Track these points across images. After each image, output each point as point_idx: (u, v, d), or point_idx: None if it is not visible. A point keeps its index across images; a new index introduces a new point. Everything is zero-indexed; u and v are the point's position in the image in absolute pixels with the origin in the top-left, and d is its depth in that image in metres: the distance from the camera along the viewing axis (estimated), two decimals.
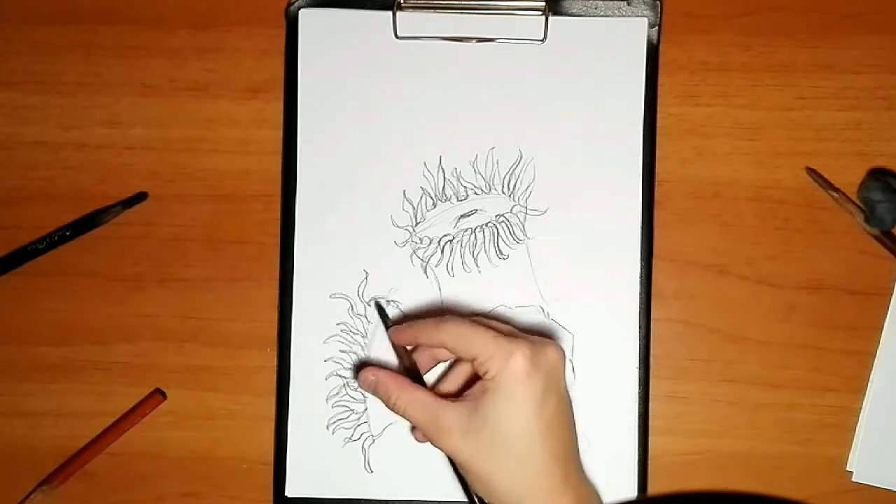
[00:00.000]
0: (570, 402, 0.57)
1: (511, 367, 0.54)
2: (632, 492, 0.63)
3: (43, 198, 0.65)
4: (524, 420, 0.54)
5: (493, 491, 0.55)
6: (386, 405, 0.58)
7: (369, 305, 0.64)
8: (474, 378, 0.58)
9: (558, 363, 0.56)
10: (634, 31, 0.64)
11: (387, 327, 0.62)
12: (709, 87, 0.64)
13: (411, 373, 0.59)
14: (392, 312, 0.63)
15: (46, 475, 0.64)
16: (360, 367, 0.61)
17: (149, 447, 0.64)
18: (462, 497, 0.59)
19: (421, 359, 0.60)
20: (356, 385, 0.63)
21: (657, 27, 0.64)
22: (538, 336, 0.57)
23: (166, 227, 0.65)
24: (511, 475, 0.54)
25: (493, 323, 0.58)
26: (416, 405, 0.57)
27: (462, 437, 0.55)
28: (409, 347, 0.61)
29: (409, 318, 0.63)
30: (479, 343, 0.55)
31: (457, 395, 0.58)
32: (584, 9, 0.64)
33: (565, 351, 0.57)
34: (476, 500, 0.57)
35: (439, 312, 0.63)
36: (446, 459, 0.58)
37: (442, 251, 0.64)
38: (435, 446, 0.56)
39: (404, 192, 0.64)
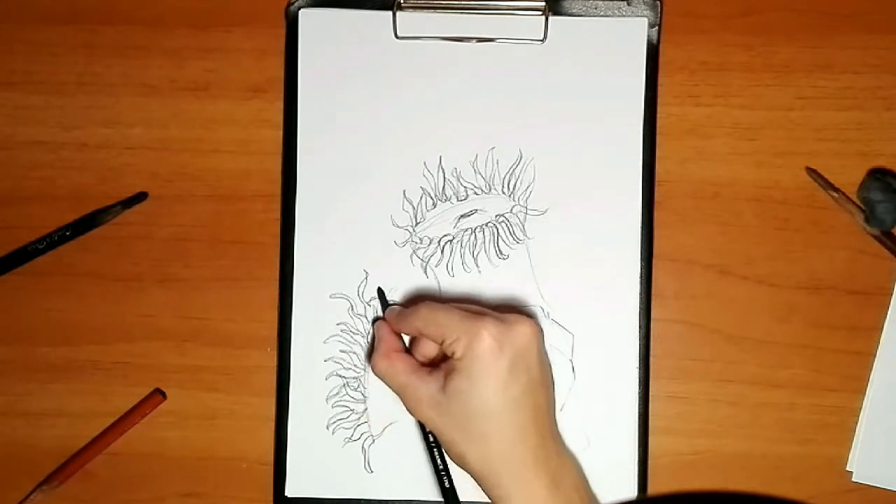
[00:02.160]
0: (545, 377, 0.57)
1: (476, 347, 0.55)
2: (632, 492, 0.63)
3: (43, 198, 0.65)
4: (489, 400, 0.55)
5: (465, 464, 0.57)
6: (370, 364, 0.61)
7: (369, 305, 0.64)
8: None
9: (529, 340, 0.56)
10: (634, 31, 0.64)
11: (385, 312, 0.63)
12: (709, 87, 0.64)
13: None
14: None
15: (46, 475, 0.64)
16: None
17: (149, 447, 0.64)
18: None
19: (426, 346, 0.60)
20: (356, 385, 0.63)
21: (657, 27, 0.64)
22: (514, 314, 0.57)
23: (166, 227, 0.65)
24: (480, 452, 0.56)
25: (465, 305, 0.59)
26: (393, 376, 0.59)
27: (433, 410, 0.57)
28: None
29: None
30: (446, 325, 0.57)
31: (438, 363, 0.59)
32: (584, 9, 0.64)
33: (541, 328, 0.58)
34: (440, 469, 0.60)
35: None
36: (416, 424, 0.61)
37: (442, 251, 0.64)
38: (409, 412, 0.58)
39: (404, 192, 0.64)
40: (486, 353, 0.55)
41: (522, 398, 0.56)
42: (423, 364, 0.60)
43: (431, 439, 0.60)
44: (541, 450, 0.56)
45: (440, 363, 0.59)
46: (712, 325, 0.64)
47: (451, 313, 0.57)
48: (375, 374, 0.60)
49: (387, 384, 0.59)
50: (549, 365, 0.59)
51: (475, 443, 0.56)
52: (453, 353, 0.56)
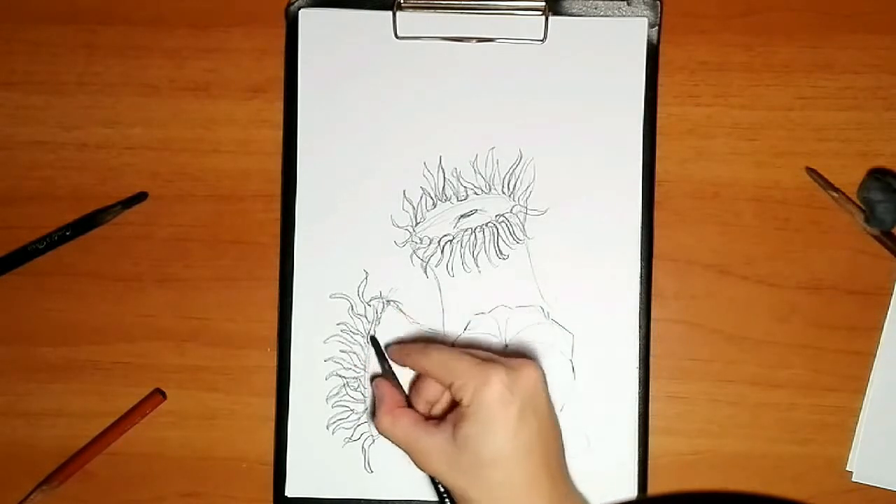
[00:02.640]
0: (553, 420, 0.57)
1: (485, 393, 0.55)
2: (632, 492, 0.63)
3: (43, 198, 0.65)
4: (500, 446, 0.55)
5: None
6: (373, 423, 0.60)
7: (369, 305, 0.64)
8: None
9: (536, 384, 0.56)
10: (634, 31, 0.64)
11: (380, 360, 0.62)
12: (709, 87, 0.64)
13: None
14: (392, 312, 0.63)
15: (46, 475, 0.64)
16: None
17: (149, 447, 0.64)
18: None
19: (429, 390, 0.60)
20: (356, 385, 0.63)
21: (657, 27, 0.64)
22: (518, 357, 0.57)
23: (166, 227, 0.65)
24: (493, 500, 0.55)
25: (473, 350, 0.59)
26: (399, 430, 0.58)
27: (444, 463, 0.56)
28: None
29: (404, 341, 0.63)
30: (455, 370, 0.56)
31: (443, 415, 0.59)
32: (584, 9, 0.64)
33: (544, 370, 0.57)
34: None
35: (439, 313, 0.63)
36: (427, 480, 0.60)
37: (442, 251, 0.64)
38: (419, 469, 0.58)
39: (404, 192, 0.64)
40: (497, 399, 0.55)
41: (533, 444, 0.55)
42: (426, 413, 0.59)
43: (445, 496, 0.59)
44: (554, 495, 0.56)
45: (446, 414, 0.58)
46: (712, 325, 0.64)
47: (461, 359, 0.57)
48: (380, 433, 0.59)
49: (393, 441, 0.59)
50: (553, 406, 0.58)
51: (489, 491, 0.55)
52: (461, 399, 0.56)
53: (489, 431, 0.55)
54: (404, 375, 0.62)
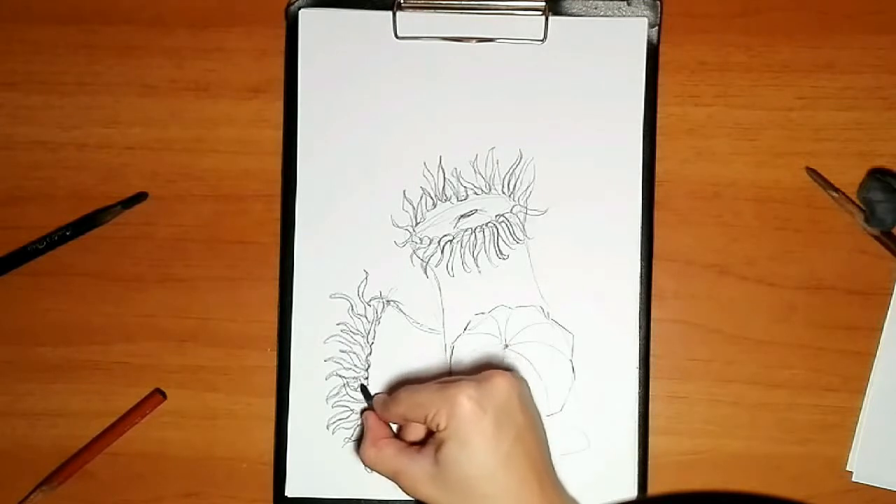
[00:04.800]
0: (532, 424, 0.57)
1: (457, 413, 0.55)
2: (632, 492, 0.63)
3: (43, 198, 0.65)
4: (481, 462, 0.55)
5: None
6: (359, 455, 0.60)
7: (369, 305, 0.64)
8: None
9: (508, 393, 0.56)
10: (634, 31, 0.64)
11: (368, 402, 0.63)
12: (709, 87, 0.64)
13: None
14: (392, 312, 0.63)
15: (46, 475, 0.64)
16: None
17: (149, 447, 0.64)
18: None
19: (414, 431, 0.60)
20: (356, 385, 0.63)
21: (657, 27, 0.64)
22: (490, 369, 0.57)
23: (166, 227, 0.65)
24: None
25: (441, 379, 0.59)
26: (384, 462, 0.59)
27: (431, 486, 0.56)
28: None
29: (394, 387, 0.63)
30: (425, 402, 0.57)
31: (426, 439, 0.59)
32: (584, 9, 0.64)
33: (521, 378, 0.57)
34: None
35: (439, 313, 0.63)
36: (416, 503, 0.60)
37: (442, 251, 0.64)
38: (409, 496, 0.58)
39: (404, 192, 0.64)
40: (469, 415, 0.55)
41: (515, 450, 0.55)
42: (414, 444, 0.59)
43: None
44: (544, 497, 0.56)
45: (428, 440, 0.58)
46: (712, 325, 0.64)
47: (427, 390, 0.57)
48: (366, 465, 0.59)
49: (379, 472, 0.59)
50: (537, 410, 0.58)
51: None
52: (438, 426, 0.56)
53: (469, 448, 0.55)
54: None
